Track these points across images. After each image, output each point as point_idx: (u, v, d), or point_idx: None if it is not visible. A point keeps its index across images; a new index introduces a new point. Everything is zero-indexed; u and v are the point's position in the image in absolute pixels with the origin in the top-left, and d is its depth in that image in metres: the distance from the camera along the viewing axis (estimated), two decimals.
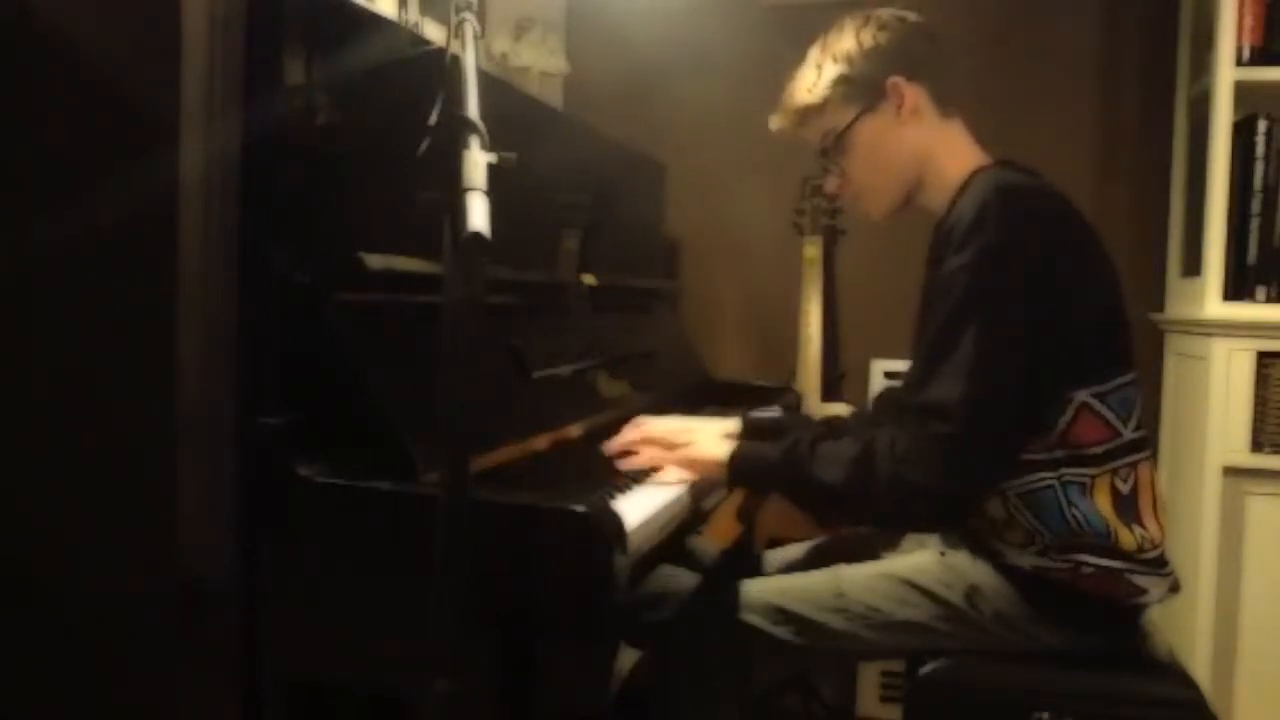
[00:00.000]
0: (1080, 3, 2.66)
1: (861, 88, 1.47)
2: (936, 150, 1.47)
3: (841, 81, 1.47)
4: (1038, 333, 1.29)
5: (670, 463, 1.49)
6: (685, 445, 1.49)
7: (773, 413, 1.87)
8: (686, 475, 1.50)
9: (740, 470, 1.44)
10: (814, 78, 1.49)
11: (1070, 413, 1.33)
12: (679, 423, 1.59)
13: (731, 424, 1.65)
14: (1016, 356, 1.29)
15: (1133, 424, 1.37)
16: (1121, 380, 1.36)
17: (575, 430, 1.58)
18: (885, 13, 1.50)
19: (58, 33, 1.18)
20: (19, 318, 1.22)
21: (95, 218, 1.17)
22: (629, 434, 1.53)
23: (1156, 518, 1.38)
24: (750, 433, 1.66)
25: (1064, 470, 1.34)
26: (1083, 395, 1.33)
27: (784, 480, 1.41)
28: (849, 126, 1.48)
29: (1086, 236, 1.38)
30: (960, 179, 1.43)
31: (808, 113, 1.51)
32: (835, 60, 1.48)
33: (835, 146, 1.50)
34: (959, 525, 1.45)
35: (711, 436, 1.51)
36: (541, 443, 1.48)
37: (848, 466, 1.33)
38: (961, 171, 1.44)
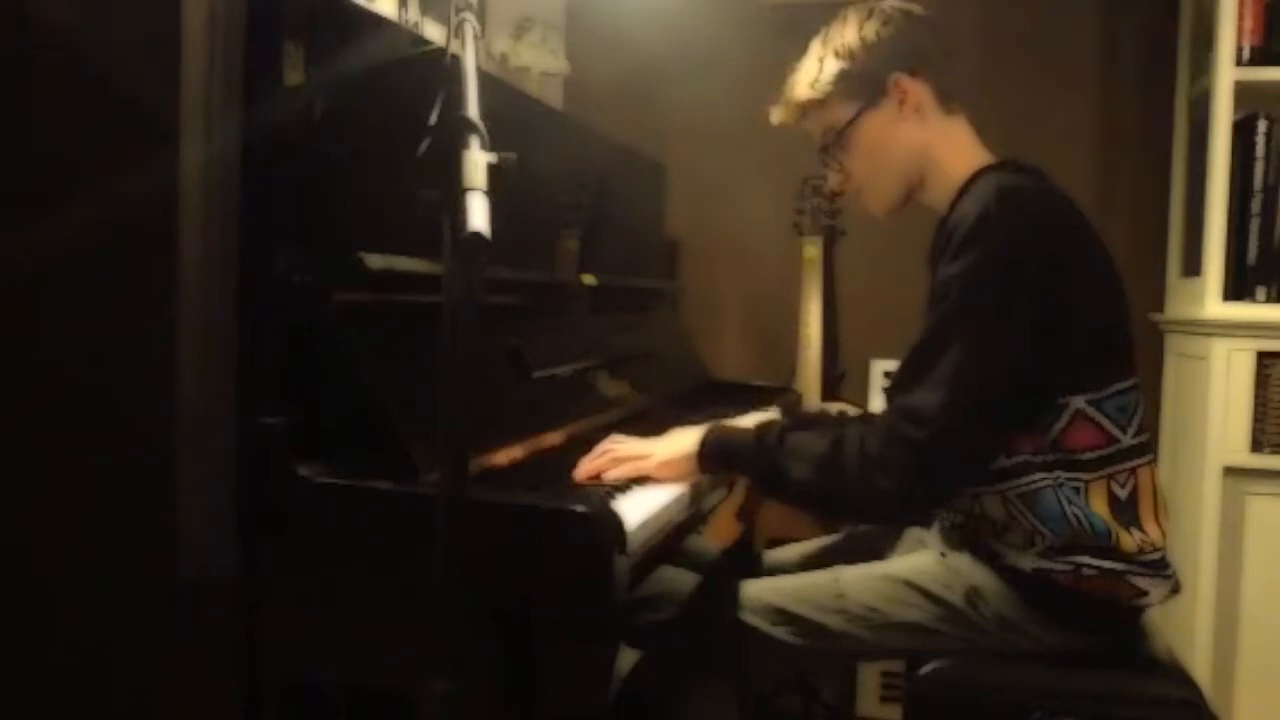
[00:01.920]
0: (1080, 3, 2.67)
1: (863, 83, 1.45)
2: (939, 148, 1.46)
3: (843, 77, 1.45)
4: (1032, 342, 1.28)
5: (645, 472, 1.43)
6: (649, 454, 1.44)
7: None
8: (665, 478, 1.44)
9: (711, 455, 1.43)
10: (815, 72, 1.48)
11: (1065, 418, 1.33)
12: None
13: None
14: (1002, 371, 1.29)
15: (1133, 429, 1.36)
16: (1121, 386, 1.35)
17: (576, 430, 1.58)
18: (888, 5, 1.48)
19: (58, 33, 1.18)
20: (19, 318, 1.22)
21: (95, 218, 1.17)
22: (596, 461, 1.44)
23: (1158, 521, 1.37)
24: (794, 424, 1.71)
25: (1058, 473, 1.34)
26: (1078, 402, 1.33)
27: (752, 468, 1.42)
28: (850, 123, 1.46)
29: (1089, 241, 1.37)
30: (963, 177, 1.43)
31: (809, 107, 1.50)
32: (837, 55, 1.46)
33: (836, 143, 1.49)
34: (922, 523, 1.45)
35: (671, 437, 1.48)
36: (541, 443, 1.47)
37: (815, 462, 1.33)
38: (964, 170, 1.43)
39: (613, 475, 1.41)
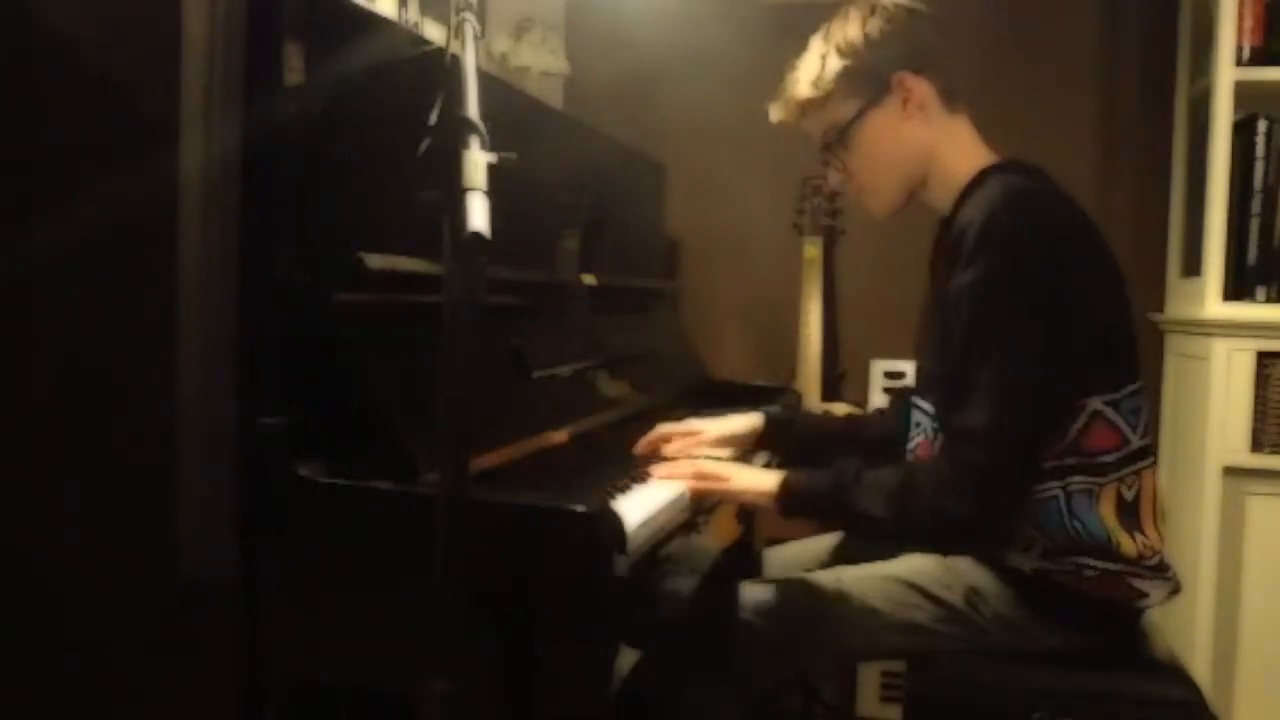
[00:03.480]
0: (1080, 3, 2.67)
1: (866, 81, 1.44)
2: (942, 147, 1.45)
3: (846, 75, 1.44)
4: (1053, 344, 1.29)
5: (717, 495, 1.46)
6: (731, 480, 1.45)
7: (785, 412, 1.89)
8: (733, 503, 1.50)
9: (789, 502, 1.42)
10: (818, 69, 1.46)
11: (1083, 420, 1.33)
12: (691, 425, 1.62)
13: (747, 419, 1.71)
14: (1035, 373, 1.28)
15: (1140, 431, 1.36)
16: (1132, 388, 1.35)
17: (575, 430, 1.58)
18: (891, 2, 1.47)
19: (58, 33, 1.18)
20: (19, 318, 1.22)
21: (95, 217, 1.17)
22: (675, 467, 1.48)
23: (1156, 525, 1.37)
24: (770, 429, 1.71)
25: (1071, 478, 1.33)
26: (1095, 403, 1.33)
27: (830, 510, 1.41)
28: (852, 121, 1.45)
29: (1095, 242, 1.37)
30: (966, 177, 1.42)
31: (810, 106, 1.48)
32: (840, 52, 1.44)
33: (838, 141, 1.47)
34: (995, 547, 1.41)
35: (753, 470, 1.50)
36: (541, 443, 1.47)
37: (891, 497, 1.33)
38: (968, 170, 1.43)
39: (688, 485, 1.43)
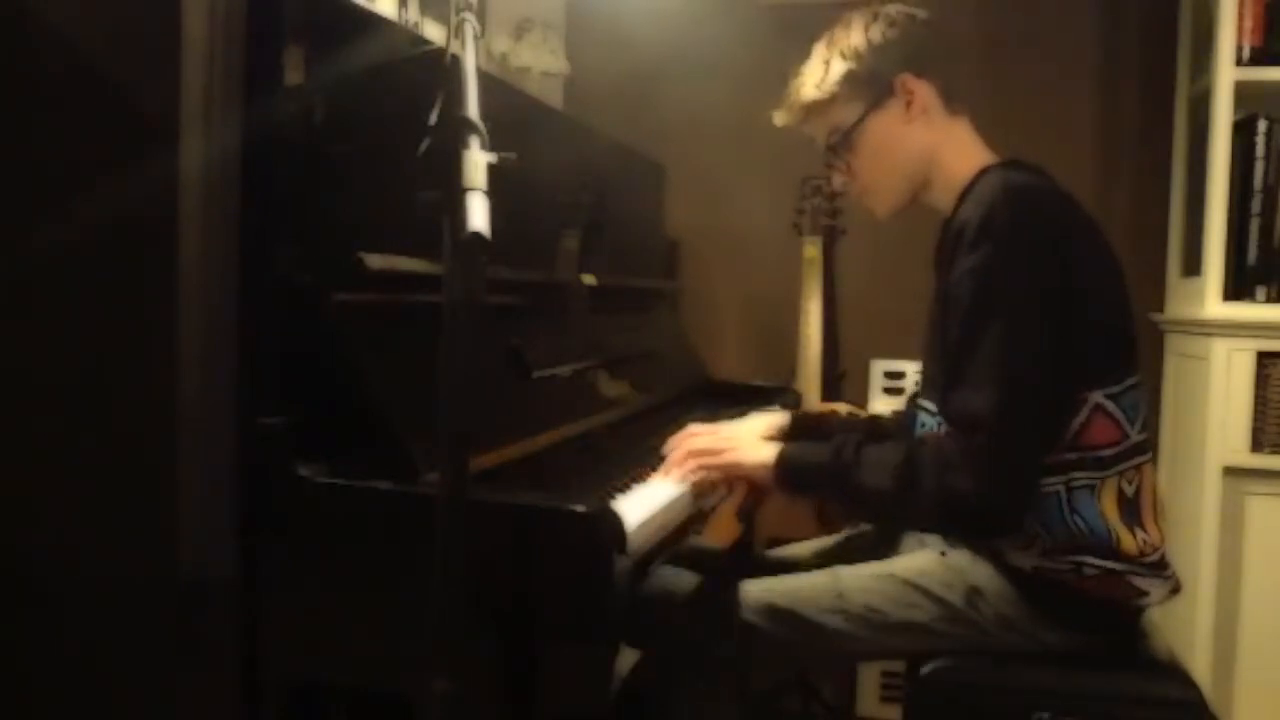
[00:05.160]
0: (1080, 3, 2.67)
1: (870, 84, 1.46)
2: (943, 148, 1.47)
3: (850, 78, 1.46)
4: (1053, 336, 1.29)
5: (717, 472, 1.46)
6: (728, 452, 1.46)
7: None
8: (734, 479, 1.49)
9: (786, 473, 1.42)
10: (821, 73, 1.48)
11: (1085, 413, 1.33)
12: (721, 430, 1.61)
13: (773, 419, 1.70)
14: (1035, 356, 1.28)
15: (1138, 425, 1.37)
16: (1131, 382, 1.36)
17: (575, 430, 1.58)
18: (893, 9, 1.49)
19: (58, 33, 1.18)
20: (19, 318, 1.22)
21: (95, 218, 1.17)
22: (673, 454, 1.50)
23: (1156, 522, 1.37)
24: (796, 430, 1.68)
25: (1073, 474, 1.33)
26: (1097, 396, 1.33)
27: (829, 484, 1.40)
28: (856, 123, 1.47)
29: (1094, 235, 1.37)
30: (967, 178, 1.43)
31: (814, 109, 1.50)
32: (844, 56, 1.47)
33: (842, 143, 1.49)
34: (1004, 534, 1.38)
35: (752, 441, 1.50)
36: (541, 442, 1.47)
37: (893, 473, 1.32)
38: (968, 170, 1.44)
39: (688, 471, 1.44)
